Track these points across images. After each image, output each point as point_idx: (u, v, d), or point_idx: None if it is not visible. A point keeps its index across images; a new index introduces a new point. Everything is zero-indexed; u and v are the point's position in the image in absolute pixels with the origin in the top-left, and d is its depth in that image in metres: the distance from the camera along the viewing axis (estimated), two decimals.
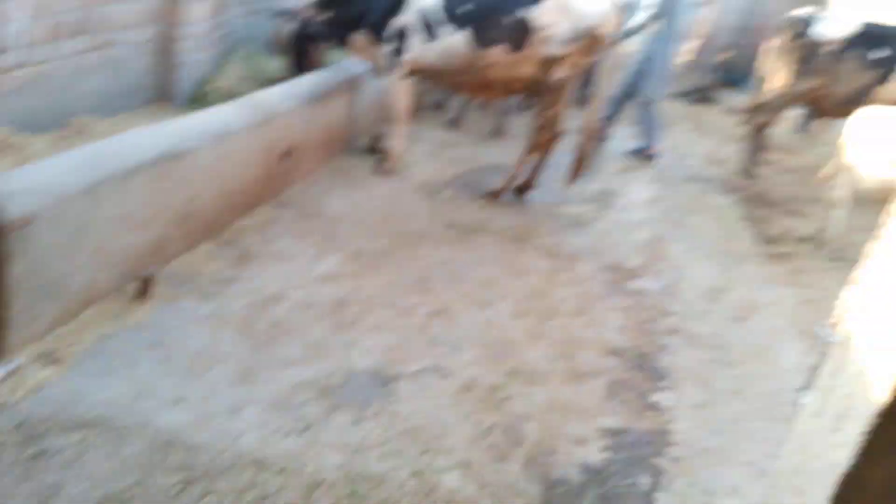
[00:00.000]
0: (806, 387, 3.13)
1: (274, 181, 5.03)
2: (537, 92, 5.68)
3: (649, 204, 6.59)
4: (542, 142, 5.88)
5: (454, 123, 7.71)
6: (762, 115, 7.73)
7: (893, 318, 2.15)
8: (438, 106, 8.12)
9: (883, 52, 7.13)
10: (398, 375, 3.58)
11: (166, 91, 4.98)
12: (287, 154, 5.05)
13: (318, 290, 4.19)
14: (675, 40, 7.71)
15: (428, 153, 6.83)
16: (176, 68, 4.90)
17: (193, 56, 5.04)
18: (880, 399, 2.06)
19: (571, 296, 4.67)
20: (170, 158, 3.78)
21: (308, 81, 5.48)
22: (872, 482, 2.10)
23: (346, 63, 6.31)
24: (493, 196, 6.01)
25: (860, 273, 2.55)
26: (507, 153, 7.14)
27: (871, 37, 7.21)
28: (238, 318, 3.80)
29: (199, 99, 5.12)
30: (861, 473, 2.09)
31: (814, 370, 2.94)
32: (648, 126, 7.79)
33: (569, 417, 3.51)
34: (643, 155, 7.82)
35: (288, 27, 5.54)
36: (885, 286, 2.24)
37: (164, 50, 4.85)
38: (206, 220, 4.30)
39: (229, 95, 5.16)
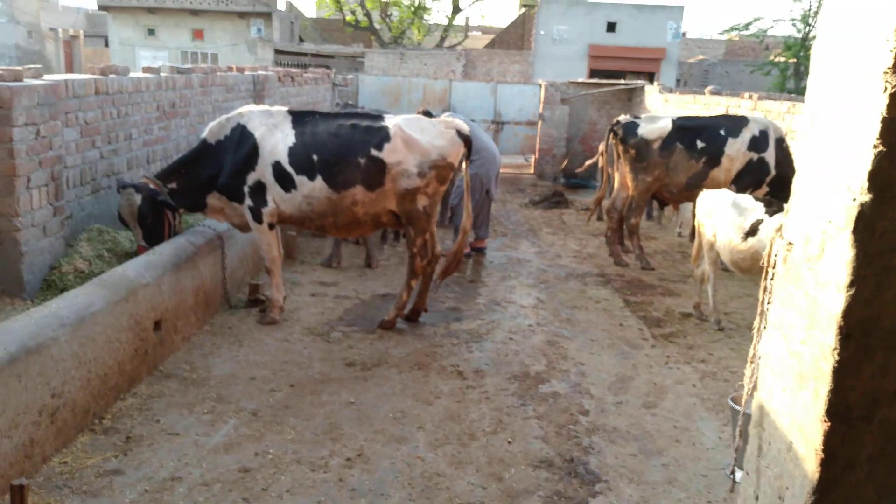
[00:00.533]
0: (735, 466, 3.14)
1: (149, 354, 4.65)
2: (407, 221, 5.76)
3: (537, 307, 6.71)
4: (422, 267, 5.91)
5: (331, 262, 7.63)
6: (627, 214, 8.29)
7: (796, 389, 2.20)
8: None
9: (704, 141, 7.95)
10: None
11: (13, 284, 4.59)
12: (157, 324, 4.72)
13: (218, 462, 3.80)
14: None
15: (311, 295, 6.66)
16: (20, 259, 4.56)
17: (37, 244, 4.73)
18: (812, 476, 2.06)
19: (486, 413, 4.54)
20: (25, 355, 3.36)
21: (169, 248, 5.23)
22: None
23: (208, 222, 6.14)
24: (387, 326, 5.89)
25: (754, 344, 2.64)
26: (389, 283, 7.12)
27: (688, 129, 8.06)
28: None
29: (51, 285, 4.75)
30: None
31: (737, 449, 2.96)
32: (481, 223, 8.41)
33: None
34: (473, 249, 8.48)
35: (134, 199, 5.37)
36: (779, 357, 2.31)
37: (4, 242, 4.53)
38: (78, 411, 3.85)
39: (84, 277, 4.82)
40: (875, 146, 1.87)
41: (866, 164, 1.89)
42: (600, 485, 3.80)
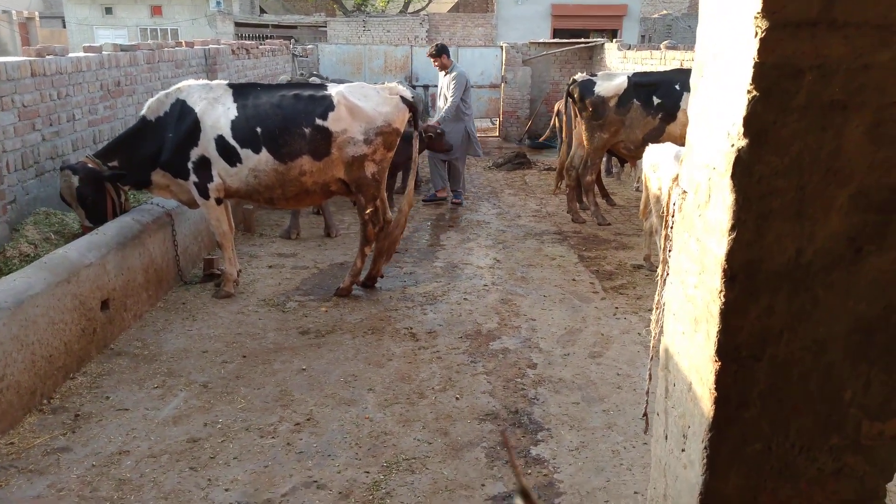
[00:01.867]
0: (646, 409, 3.26)
1: (98, 333, 4.66)
2: (356, 189, 5.77)
3: (493, 267, 6.79)
4: (374, 233, 5.94)
5: (289, 233, 7.63)
6: (584, 172, 8.35)
7: (692, 332, 2.28)
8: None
9: (660, 97, 7.98)
10: (269, 501, 3.31)
11: None
12: (105, 304, 4.73)
13: (166, 434, 3.86)
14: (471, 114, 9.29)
15: (268, 267, 6.68)
16: None
17: None
18: (708, 414, 2.16)
19: (437, 372, 4.63)
20: None
21: (113, 227, 5.20)
22: (727, 497, 2.17)
23: (157, 199, 6.11)
24: (343, 293, 5.94)
25: (658, 291, 2.72)
26: (347, 251, 7.15)
27: (644, 85, 8.08)
28: (78, 487, 3.39)
29: None
30: (714, 489, 2.15)
31: (647, 392, 3.07)
32: (439, 175, 9.19)
33: (455, 496, 3.39)
34: (436, 198, 9.29)
35: (72, 181, 5.28)
36: (678, 301, 2.39)
37: None
38: (24, 392, 3.87)
39: (30, 260, 4.79)
40: (749, 91, 1.91)
41: (741, 110, 1.94)
42: (542, 433, 3.92)
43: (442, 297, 5.98)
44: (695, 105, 2.29)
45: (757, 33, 1.89)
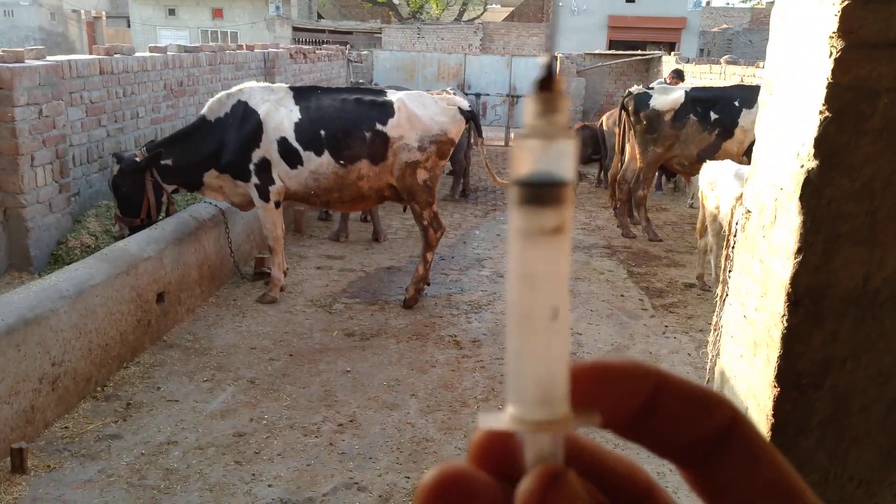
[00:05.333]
0: None
1: (153, 325, 4.79)
2: (408, 196, 5.80)
3: None
4: (436, 239, 5.96)
5: (338, 236, 7.72)
6: (636, 186, 8.26)
7: (751, 356, 2.23)
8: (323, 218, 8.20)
9: (717, 113, 7.85)
10: (310, 500, 3.35)
11: (21, 259, 4.75)
12: (160, 297, 4.85)
13: (213, 427, 3.93)
14: None
15: (316, 268, 6.77)
16: (26, 235, 4.71)
17: (43, 220, 4.87)
18: None
19: (479, 381, 4.62)
20: (23, 326, 3.50)
21: (171, 223, 5.33)
22: None
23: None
24: (410, 304, 5.88)
25: (716, 312, 2.66)
26: (394, 256, 7.20)
27: (702, 100, 7.95)
28: (127, 474, 3.48)
29: (58, 260, 4.88)
30: None
31: None
32: None
33: None
34: None
35: (114, 169, 5.15)
36: (737, 324, 2.34)
37: (11, 219, 4.68)
38: (80, 379, 4.00)
39: (91, 251, 4.94)
40: (821, 112, 1.87)
41: (812, 131, 1.89)
42: None
43: (487, 307, 5.97)
44: (763, 123, 2.24)
45: (832, 53, 1.84)
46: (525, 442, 0.34)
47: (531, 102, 0.34)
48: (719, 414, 0.32)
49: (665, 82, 9.81)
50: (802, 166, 1.91)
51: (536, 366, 0.33)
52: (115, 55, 6.11)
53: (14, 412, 3.44)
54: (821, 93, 1.85)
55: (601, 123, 10.26)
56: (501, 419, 0.35)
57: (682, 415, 0.33)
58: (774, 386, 2.07)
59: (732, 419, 0.32)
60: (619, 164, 8.75)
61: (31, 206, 4.75)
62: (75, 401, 3.99)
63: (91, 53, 6.37)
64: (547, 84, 0.35)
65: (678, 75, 9.89)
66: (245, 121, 5.62)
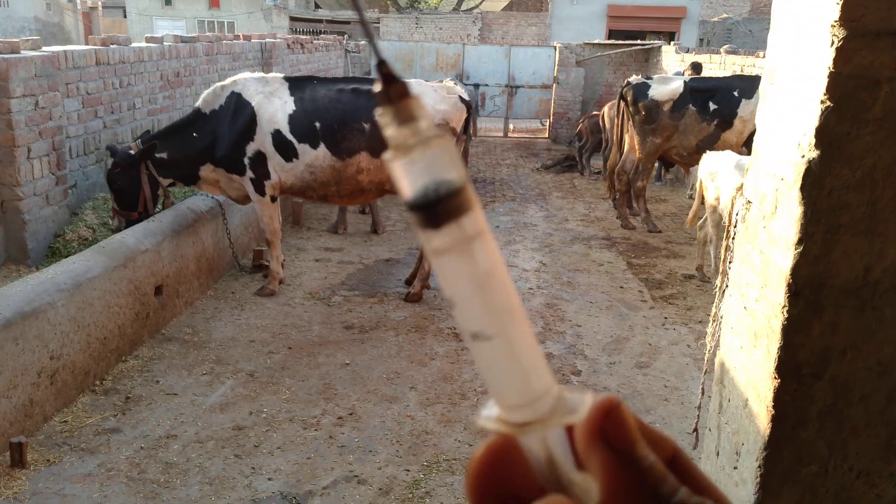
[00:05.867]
0: (697, 424, 3.18)
1: (151, 318, 4.78)
2: None
3: (539, 270, 6.74)
4: None
5: (336, 228, 7.71)
6: (635, 177, 8.23)
7: (751, 347, 2.22)
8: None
9: (717, 103, 7.81)
10: (311, 493, 3.35)
11: (18, 252, 4.73)
12: (158, 290, 4.83)
13: (212, 420, 3.93)
14: None
15: (315, 261, 6.75)
16: (23, 227, 4.68)
17: (40, 212, 4.85)
18: (764, 431, 2.09)
19: (479, 374, 4.60)
20: (21, 319, 3.49)
21: (169, 216, 5.30)
22: None
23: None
24: (414, 299, 5.81)
25: (715, 303, 2.65)
26: (393, 248, 7.19)
27: (701, 90, 7.92)
28: (127, 468, 3.48)
29: (55, 253, 4.86)
30: None
31: (699, 407, 3.00)
32: None
33: None
34: None
35: (108, 162, 5.07)
36: (737, 315, 2.33)
37: (7, 211, 4.66)
38: (78, 373, 3.99)
39: (88, 244, 4.91)
40: (822, 101, 1.85)
41: (814, 120, 1.88)
42: None
43: None
44: (764, 113, 2.22)
45: (833, 42, 1.83)
46: (520, 440, 0.35)
47: (382, 118, 0.32)
48: (667, 446, 0.38)
49: (682, 74, 9.76)
50: (803, 156, 1.90)
51: (502, 375, 0.33)
52: (112, 46, 6.08)
53: (13, 406, 3.43)
54: (822, 82, 1.83)
55: (602, 114, 10.23)
56: (491, 419, 0.36)
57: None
58: (774, 377, 2.07)
59: (675, 450, 0.38)
60: (618, 155, 8.73)
61: (28, 199, 4.74)
62: (74, 394, 3.98)
63: (87, 44, 6.34)
64: (391, 93, 0.32)
65: (696, 68, 9.82)
66: (238, 113, 5.51)
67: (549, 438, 0.35)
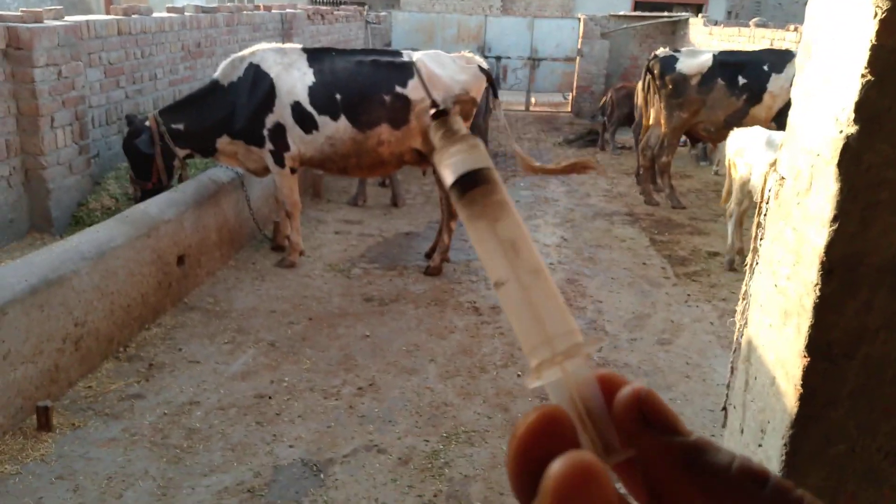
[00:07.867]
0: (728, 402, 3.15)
1: (173, 287, 4.82)
2: (430, 160, 5.73)
3: (560, 246, 6.69)
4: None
5: (356, 201, 7.70)
6: (660, 152, 8.10)
7: (780, 325, 2.18)
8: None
9: (746, 77, 7.64)
10: (331, 461, 3.38)
11: (42, 221, 4.78)
12: (181, 259, 4.86)
13: (234, 388, 3.97)
14: None
15: (335, 233, 6.76)
16: (47, 196, 4.72)
17: (63, 182, 4.88)
18: (791, 409, 2.06)
19: (499, 347, 4.61)
20: (46, 286, 3.53)
21: (191, 186, 5.31)
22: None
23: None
24: (434, 272, 5.80)
25: (746, 281, 2.61)
26: (413, 221, 7.17)
27: (730, 64, 7.74)
28: (150, 433, 3.53)
29: (79, 222, 4.90)
30: None
31: (728, 385, 2.97)
32: None
33: None
34: None
35: (126, 131, 5.05)
36: (767, 293, 2.28)
37: (32, 180, 4.70)
38: (102, 339, 4.04)
39: (111, 213, 4.94)
40: (863, 75, 1.79)
41: (853, 95, 1.82)
42: None
43: None
44: (800, 87, 2.15)
45: (876, 14, 1.76)
46: (549, 391, 0.40)
47: (432, 130, 0.43)
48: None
49: None
50: (841, 131, 1.84)
51: (520, 314, 0.39)
52: (133, 16, 6.06)
53: (38, 371, 3.48)
54: (863, 55, 1.77)
55: (637, 87, 10.01)
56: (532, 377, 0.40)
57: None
58: (804, 355, 2.03)
59: None
60: (643, 130, 8.59)
61: (52, 168, 4.77)
62: (98, 361, 4.04)
63: (109, 14, 6.32)
64: (438, 115, 0.44)
65: None
66: (257, 85, 5.45)
67: (582, 400, 0.38)
